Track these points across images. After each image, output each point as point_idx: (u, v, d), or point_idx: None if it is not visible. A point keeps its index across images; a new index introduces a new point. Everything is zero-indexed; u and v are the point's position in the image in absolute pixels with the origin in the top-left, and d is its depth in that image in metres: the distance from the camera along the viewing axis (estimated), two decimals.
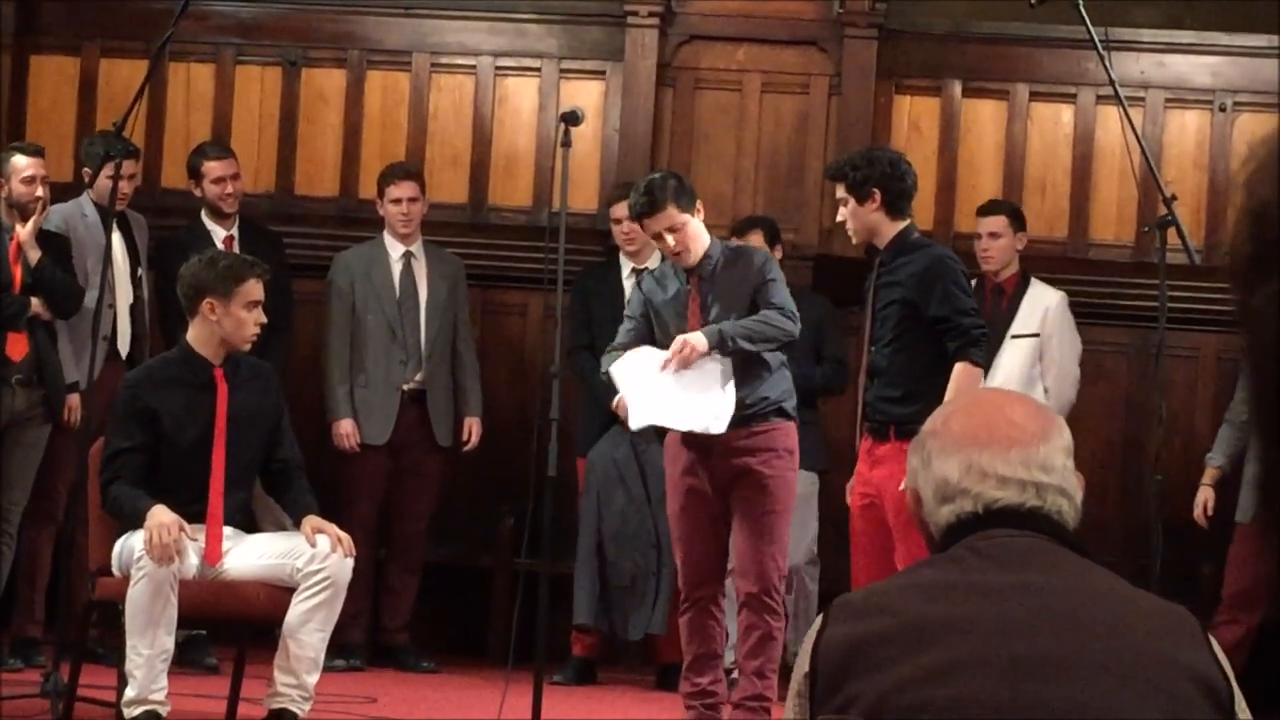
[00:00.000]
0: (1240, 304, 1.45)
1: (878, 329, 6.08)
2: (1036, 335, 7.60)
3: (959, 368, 5.91)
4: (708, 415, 6.10)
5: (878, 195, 6.04)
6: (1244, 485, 7.40)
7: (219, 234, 7.79)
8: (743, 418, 6.12)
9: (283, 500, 6.18)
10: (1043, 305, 7.64)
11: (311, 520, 5.93)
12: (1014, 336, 7.58)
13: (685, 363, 6.04)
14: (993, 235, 7.70)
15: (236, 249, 7.60)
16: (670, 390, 6.12)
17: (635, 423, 6.17)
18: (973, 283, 7.70)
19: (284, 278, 7.91)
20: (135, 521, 5.75)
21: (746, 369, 6.14)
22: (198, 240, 7.49)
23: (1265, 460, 1.45)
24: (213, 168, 7.85)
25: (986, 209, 7.84)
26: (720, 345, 6.05)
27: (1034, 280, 7.73)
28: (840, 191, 6.13)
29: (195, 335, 6.10)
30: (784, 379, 6.28)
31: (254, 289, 6.08)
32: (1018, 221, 7.76)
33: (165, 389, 6.03)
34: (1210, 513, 7.50)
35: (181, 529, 5.69)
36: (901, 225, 6.09)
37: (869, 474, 6.04)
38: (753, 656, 6.17)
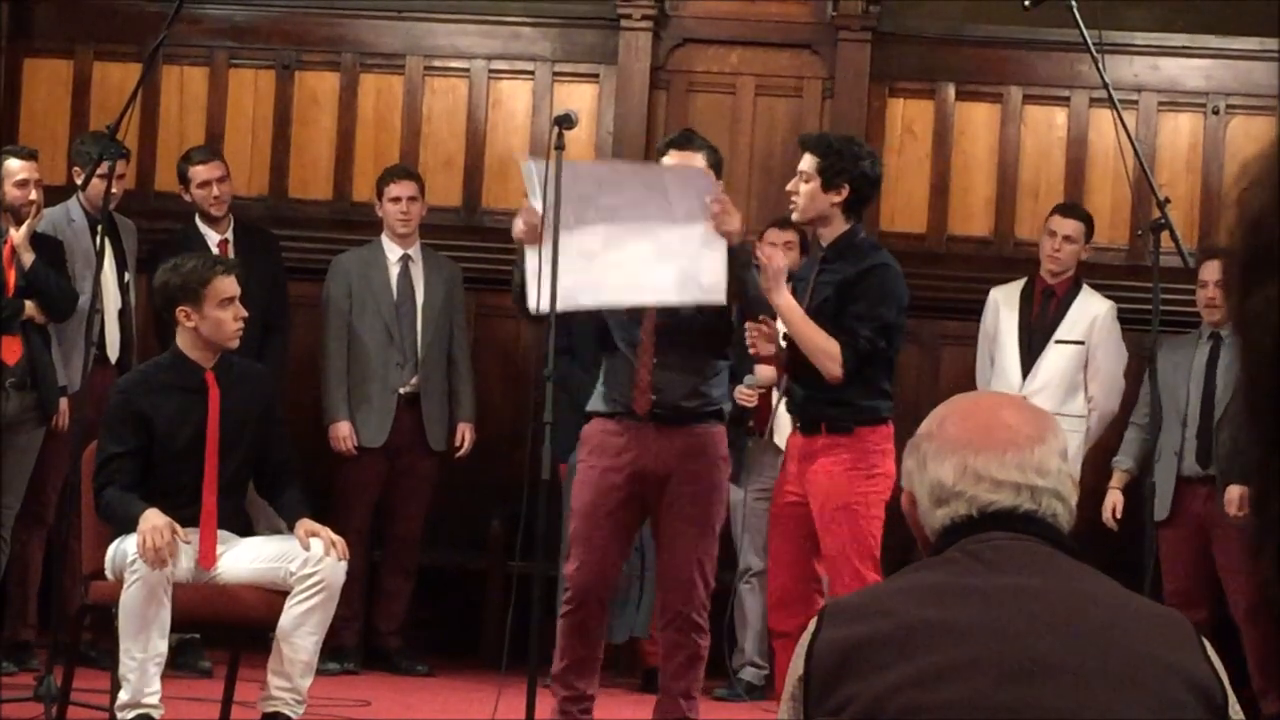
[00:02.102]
0: (1235, 309, 1.45)
1: None
2: (1081, 343, 7.57)
3: (834, 344, 5.77)
4: (695, 280, 5.79)
5: (845, 190, 5.89)
6: (1157, 485, 7.42)
7: (213, 238, 7.76)
8: (681, 416, 5.93)
9: (275, 503, 6.16)
10: (1091, 313, 7.59)
11: (305, 524, 5.92)
12: (1058, 341, 7.56)
13: (720, 218, 5.74)
14: (1068, 239, 7.61)
15: (231, 253, 7.59)
16: (634, 240, 5.82)
17: (580, 298, 5.75)
18: (1022, 282, 7.71)
19: (281, 279, 7.90)
20: (128, 525, 5.74)
21: (697, 359, 5.96)
22: (192, 244, 7.45)
23: (1259, 468, 1.45)
24: (198, 172, 7.80)
25: (1066, 211, 7.75)
26: (742, 252, 5.82)
27: (1085, 287, 7.69)
28: (806, 164, 5.95)
29: (182, 341, 6.09)
30: (725, 379, 6.10)
31: (223, 286, 6.04)
32: (1090, 230, 7.71)
33: (157, 393, 6.02)
34: (1119, 515, 7.54)
35: (174, 532, 5.69)
36: (850, 225, 5.94)
37: (799, 471, 5.89)
38: (679, 677, 5.98)
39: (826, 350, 5.81)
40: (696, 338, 5.96)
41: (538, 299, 5.71)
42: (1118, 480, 7.61)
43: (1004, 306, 7.69)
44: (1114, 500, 7.57)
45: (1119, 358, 7.64)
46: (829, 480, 5.80)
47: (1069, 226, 7.65)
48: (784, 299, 5.85)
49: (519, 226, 5.81)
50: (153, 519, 5.68)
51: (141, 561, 5.62)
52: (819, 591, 5.91)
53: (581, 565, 5.96)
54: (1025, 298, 7.67)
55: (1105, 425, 7.65)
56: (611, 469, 5.93)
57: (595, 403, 6.03)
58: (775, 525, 6.01)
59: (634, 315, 5.96)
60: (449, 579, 8.29)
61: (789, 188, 6.03)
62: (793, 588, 5.84)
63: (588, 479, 5.96)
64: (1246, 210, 1.43)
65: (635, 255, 5.81)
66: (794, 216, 6.14)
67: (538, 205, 5.76)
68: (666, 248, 5.80)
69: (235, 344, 6.11)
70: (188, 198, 7.84)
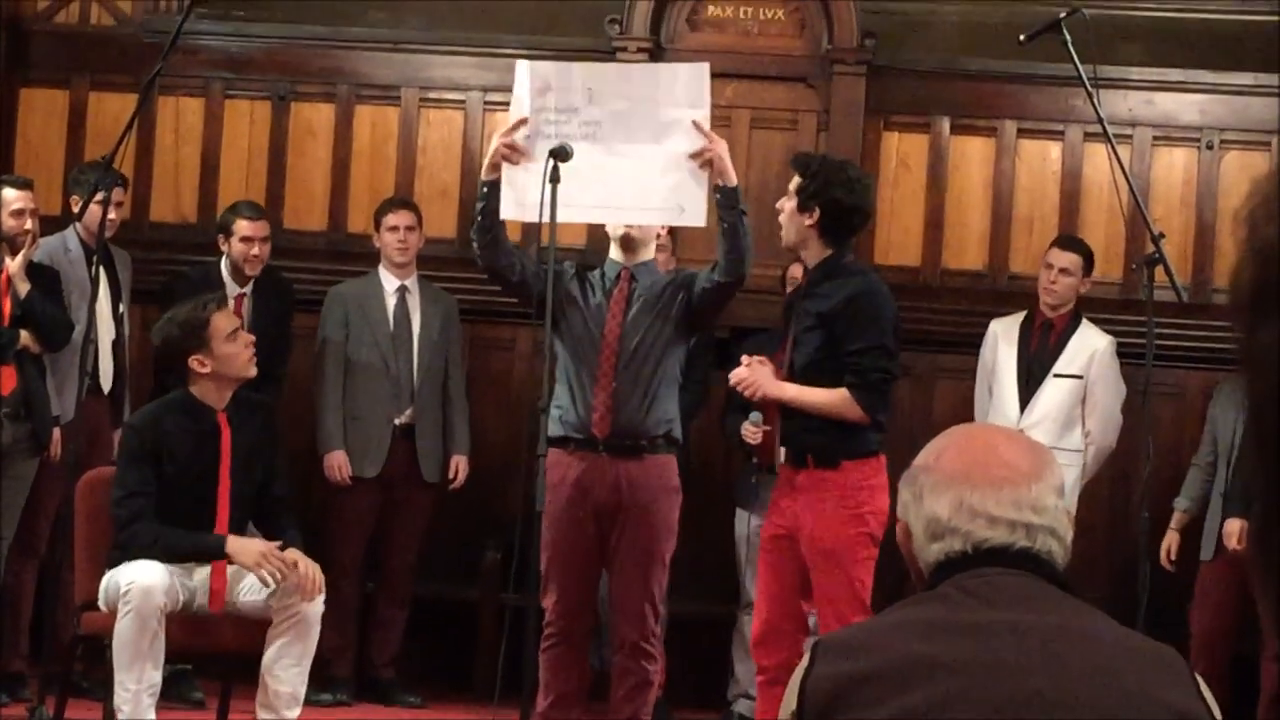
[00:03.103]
0: (1241, 343, 1.43)
1: (795, 354, 5.84)
2: (1080, 378, 7.53)
3: (842, 393, 5.72)
4: (676, 203, 5.75)
5: (816, 214, 5.78)
6: (1207, 524, 7.45)
7: (232, 289, 7.68)
8: (636, 445, 5.91)
9: (271, 540, 6.15)
10: (1090, 348, 7.54)
11: (288, 553, 5.94)
12: (1057, 375, 7.52)
13: (710, 157, 5.70)
14: (1064, 271, 7.56)
15: (247, 308, 7.58)
16: (618, 157, 5.73)
17: (570, 214, 5.73)
18: (1022, 315, 7.69)
19: (286, 328, 7.87)
20: (204, 556, 5.80)
21: (655, 385, 5.93)
22: (211, 284, 7.42)
23: (1262, 503, 1.44)
24: (243, 226, 7.74)
25: (1064, 244, 7.70)
26: (736, 197, 5.77)
27: (1085, 321, 7.65)
28: (792, 183, 5.87)
29: (197, 388, 6.07)
30: (676, 406, 6.05)
31: (222, 322, 6.05)
32: (1090, 264, 7.67)
33: (168, 434, 6.00)
34: (1174, 557, 7.54)
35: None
36: (830, 251, 5.82)
37: (785, 503, 5.83)
38: (628, 701, 5.98)
39: (840, 405, 5.73)
40: (655, 364, 5.94)
41: (515, 208, 5.74)
42: (1176, 521, 7.62)
43: (1003, 339, 7.66)
44: (1170, 541, 7.57)
45: (1117, 393, 7.61)
46: (815, 521, 5.72)
47: (1066, 259, 7.61)
48: (781, 392, 5.81)
49: (494, 152, 5.85)
50: (259, 547, 5.77)
51: (295, 594, 5.67)
52: (803, 629, 5.86)
53: (560, 599, 5.96)
54: (1024, 331, 7.64)
55: (1102, 460, 7.63)
56: (574, 502, 5.90)
57: (553, 428, 5.92)
58: (763, 557, 5.96)
59: (593, 341, 5.94)
60: (442, 610, 8.26)
61: (776, 205, 5.99)
62: (777, 623, 5.79)
63: (555, 513, 5.88)
64: (1253, 238, 1.41)
65: (617, 171, 5.74)
66: (783, 241, 6.05)
67: (520, 111, 5.78)
68: (651, 166, 5.74)
69: (253, 371, 6.12)
70: (224, 248, 7.80)
